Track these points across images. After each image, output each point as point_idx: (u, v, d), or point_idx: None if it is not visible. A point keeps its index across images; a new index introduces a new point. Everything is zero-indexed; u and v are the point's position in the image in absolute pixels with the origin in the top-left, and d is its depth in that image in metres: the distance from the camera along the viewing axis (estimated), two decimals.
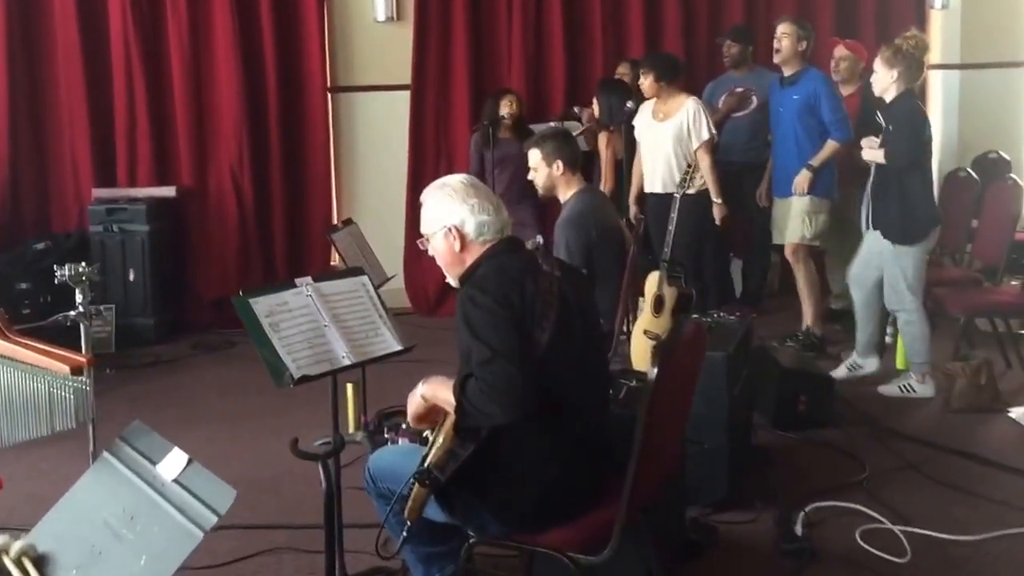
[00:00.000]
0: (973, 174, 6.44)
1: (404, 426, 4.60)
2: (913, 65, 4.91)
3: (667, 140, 5.82)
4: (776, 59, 6.06)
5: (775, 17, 6.36)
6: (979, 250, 6.05)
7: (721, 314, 4.37)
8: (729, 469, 3.84)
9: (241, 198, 7.14)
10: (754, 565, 3.54)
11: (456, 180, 2.87)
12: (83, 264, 3.17)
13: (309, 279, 3.17)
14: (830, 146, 5.80)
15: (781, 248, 6.25)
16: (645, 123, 5.96)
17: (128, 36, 6.95)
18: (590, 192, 4.58)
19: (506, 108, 6.63)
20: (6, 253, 6.72)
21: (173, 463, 1.93)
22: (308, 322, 3.05)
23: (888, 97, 4.99)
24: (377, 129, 7.37)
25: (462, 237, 2.77)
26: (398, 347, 3.20)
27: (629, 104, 5.81)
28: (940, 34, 7.63)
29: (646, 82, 5.82)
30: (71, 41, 6.97)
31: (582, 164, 4.63)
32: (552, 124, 6.85)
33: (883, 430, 4.69)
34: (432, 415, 2.74)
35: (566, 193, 4.44)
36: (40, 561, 2.10)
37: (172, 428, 4.89)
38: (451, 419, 2.59)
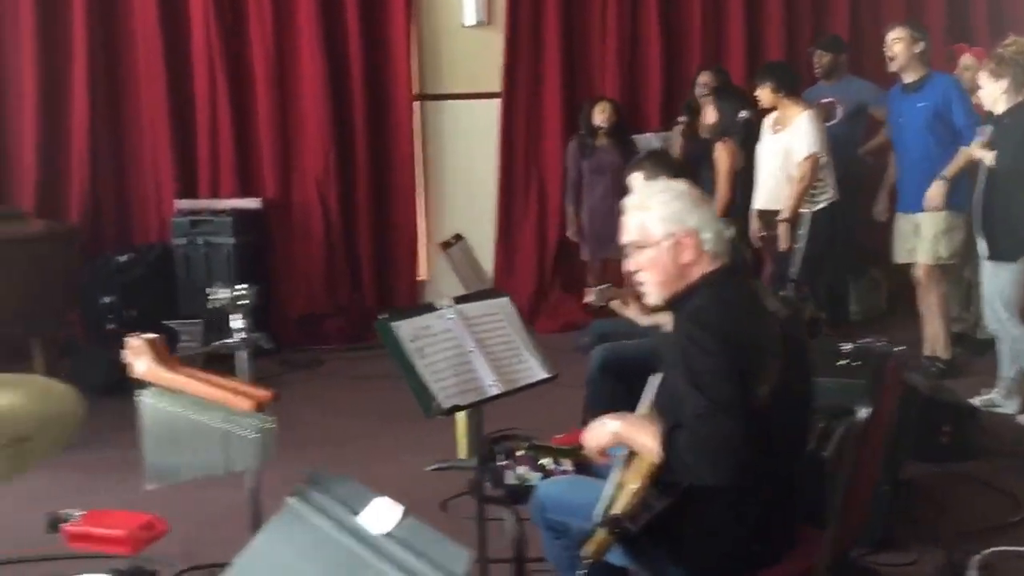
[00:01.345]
0: None
1: (519, 452, 4.38)
2: (1020, 72, 4.67)
3: (775, 154, 5.52)
4: (892, 67, 5.73)
5: (882, 24, 6.05)
6: None
7: (866, 339, 4.08)
8: (887, 506, 3.57)
9: (327, 211, 6.89)
10: None
11: (681, 184, 2.54)
12: (243, 286, 2.92)
13: (451, 300, 2.97)
14: (964, 153, 5.39)
15: (901, 266, 5.88)
16: (764, 135, 5.66)
17: (211, 42, 6.76)
18: None
19: (600, 116, 6.45)
20: (87, 265, 6.50)
21: (381, 514, 1.65)
22: (453, 347, 2.85)
23: (999, 109, 4.75)
24: (465, 139, 7.13)
25: (698, 246, 2.41)
26: (544, 374, 3.00)
27: (743, 113, 5.56)
28: None
29: (763, 92, 5.52)
30: (153, 50, 6.79)
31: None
32: (648, 135, 6.64)
33: None
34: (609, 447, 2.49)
35: None
36: None
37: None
38: (644, 464, 2.34)
